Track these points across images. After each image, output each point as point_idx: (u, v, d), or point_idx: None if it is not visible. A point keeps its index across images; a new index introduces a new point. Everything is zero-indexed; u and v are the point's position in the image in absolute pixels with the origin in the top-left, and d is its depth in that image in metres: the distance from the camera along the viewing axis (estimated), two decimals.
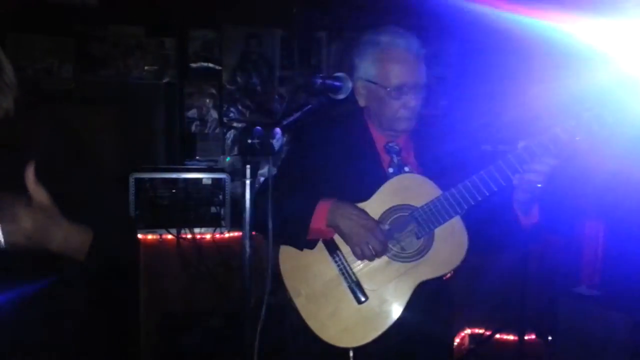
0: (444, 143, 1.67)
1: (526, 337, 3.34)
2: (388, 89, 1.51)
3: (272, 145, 1.12)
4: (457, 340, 3.44)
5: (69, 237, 1.20)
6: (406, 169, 1.59)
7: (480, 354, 3.38)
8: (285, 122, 1.19)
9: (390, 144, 1.62)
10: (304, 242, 1.50)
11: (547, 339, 3.31)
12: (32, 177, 1.13)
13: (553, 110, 1.45)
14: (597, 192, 3.46)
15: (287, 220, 1.45)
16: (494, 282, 3.30)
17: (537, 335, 3.42)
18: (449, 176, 1.49)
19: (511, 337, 3.44)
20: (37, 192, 1.13)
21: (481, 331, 3.44)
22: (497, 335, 3.42)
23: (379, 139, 1.62)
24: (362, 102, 1.62)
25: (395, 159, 1.60)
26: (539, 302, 3.46)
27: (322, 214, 1.46)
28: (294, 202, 1.51)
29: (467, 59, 4.48)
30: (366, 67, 1.56)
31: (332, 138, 1.63)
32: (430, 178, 1.53)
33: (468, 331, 3.48)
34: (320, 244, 1.54)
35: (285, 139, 1.18)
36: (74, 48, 3.85)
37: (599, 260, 3.32)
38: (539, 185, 1.42)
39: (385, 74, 1.51)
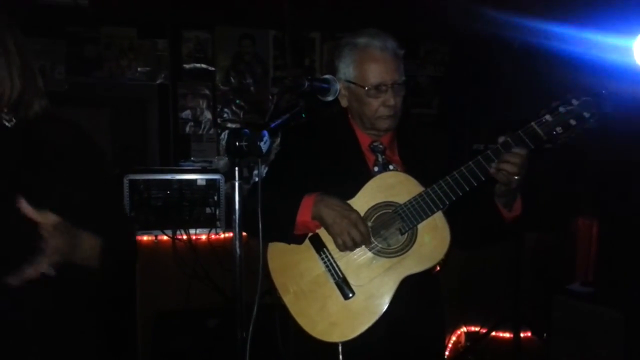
0: (429, 141, 1.70)
1: (521, 335, 3.36)
2: (366, 88, 1.55)
3: (260, 147, 1.13)
4: (453, 338, 3.46)
5: (85, 245, 1.26)
6: (391, 167, 1.62)
7: (476, 352, 3.39)
8: (273, 125, 1.20)
9: (374, 144, 1.64)
10: (292, 236, 1.53)
11: (542, 336, 3.32)
12: (30, 210, 1.15)
13: (535, 107, 1.46)
14: (591, 189, 3.48)
15: (275, 214, 1.49)
16: (489, 280, 3.32)
17: (532, 333, 3.43)
18: (433, 174, 1.52)
19: (507, 335, 3.45)
20: (46, 217, 1.16)
21: (477, 329, 3.45)
22: (493, 333, 3.43)
23: (364, 139, 1.65)
24: (344, 103, 1.65)
25: (380, 158, 1.63)
26: (533, 300, 3.48)
27: (308, 206, 1.50)
28: (281, 198, 1.54)
29: (460, 58, 4.49)
30: (346, 69, 1.60)
31: (317, 139, 1.67)
32: (415, 176, 1.55)
33: (464, 329, 3.49)
34: (307, 242, 1.57)
35: (275, 140, 1.19)
36: (66, 50, 3.84)
37: (592, 257, 3.33)
38: (516, 178, 1.44)
39: (363, 74, 1.55)
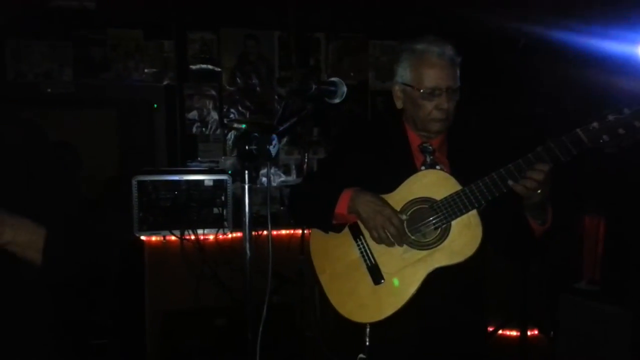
0: (476, 145, 1.74)
1: (528, 333, 3.36)
2: (421, 91, 1.61)
3: (269, 150, 1.14)
4: None
5: (17, 231, 1.19)
6: (437, 167, 1.67)
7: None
8: (281, 129, 1.22)
9: (424, 145, 1.70)
10: (330, 226, 1.65)
11: (549, 334, 3.32)
12: None
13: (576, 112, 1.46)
14: (597, 187, 3.47)
15: (316, 206, 1.65)
16: (496, 278, 3.32)
17: (539, 331, 3.44)
18: (476, 175, 1.55)
19: (514, 333, 3.46)
20: None
21: None
22: (500, 331, 3.44)
23: (414, 139, 1.71)
24: (399, 105, 1.72)
25: (428, 159, 1.68)
26: (540, 298, 3.47)
27: (345, 200, 1.59)
28: (324, 191, 1.66)
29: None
30: (403, 72, 1.67)
31: (371, 137, 1.76)
32: (459, 177, 1.60)
33: None
34: (346, 229, 1.67)
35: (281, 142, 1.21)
36: (73, 52, 3.87)
37: (599, 255, 3.33)
38: (538, 192, 1.47)
39: (419, 77, 1.62)
